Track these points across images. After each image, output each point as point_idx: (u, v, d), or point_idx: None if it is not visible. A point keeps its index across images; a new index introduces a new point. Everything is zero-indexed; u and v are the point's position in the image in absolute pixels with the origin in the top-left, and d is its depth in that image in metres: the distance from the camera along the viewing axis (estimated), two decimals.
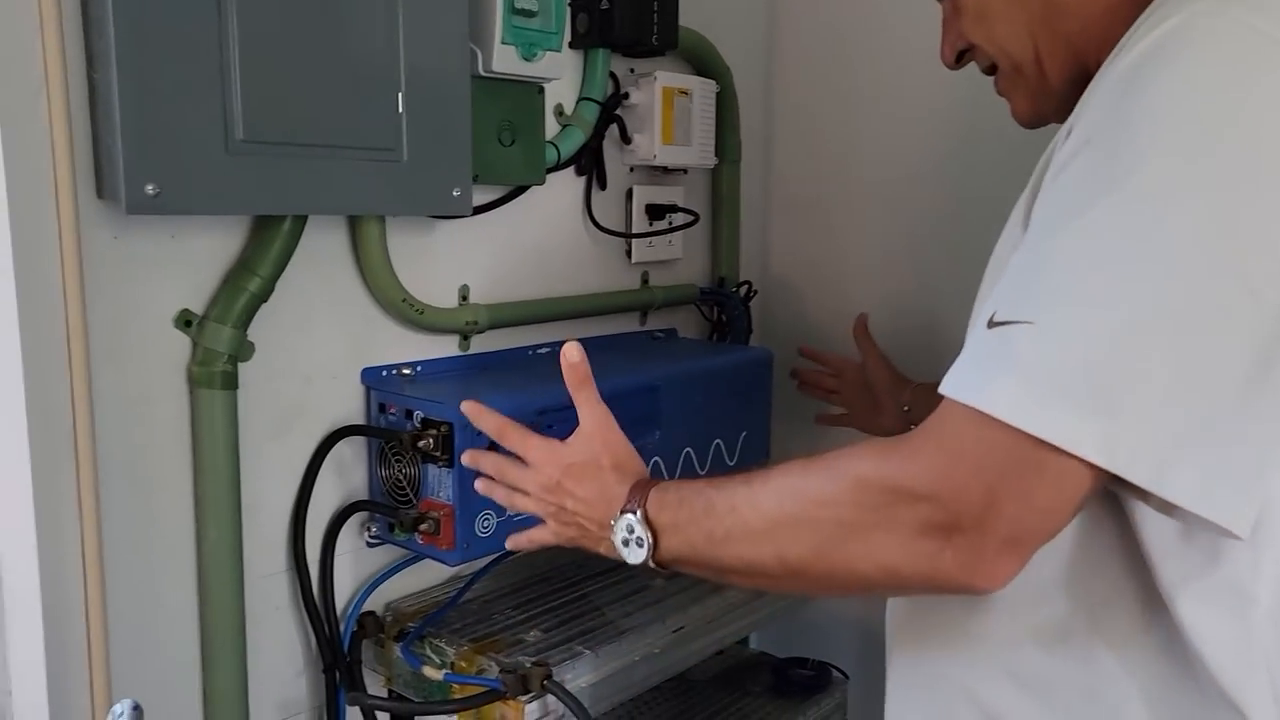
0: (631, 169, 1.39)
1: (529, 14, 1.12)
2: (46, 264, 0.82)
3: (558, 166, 1.25)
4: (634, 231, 1.40)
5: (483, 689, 0.98)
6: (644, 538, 0.75)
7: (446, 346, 1.18)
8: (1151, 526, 0.62)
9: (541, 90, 1.20)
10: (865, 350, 1.31)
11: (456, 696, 1.00)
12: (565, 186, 1.30)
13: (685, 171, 1.46)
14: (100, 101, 0.83)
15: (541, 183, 1.22)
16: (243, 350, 0.96)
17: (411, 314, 1.10)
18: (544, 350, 1.29)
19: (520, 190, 1.22)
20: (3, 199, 0.79)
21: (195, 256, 0.95)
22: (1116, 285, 0.56)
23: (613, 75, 1.31)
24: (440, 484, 1.02)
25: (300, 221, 0.98)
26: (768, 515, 0.69)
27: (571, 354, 0.83)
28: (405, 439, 1.02)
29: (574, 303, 1.32)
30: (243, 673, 0.99)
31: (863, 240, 1.55)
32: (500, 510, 1.02)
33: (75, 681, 0.86)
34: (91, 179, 0.86)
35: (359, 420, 1.10)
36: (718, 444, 1.29)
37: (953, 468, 0.60)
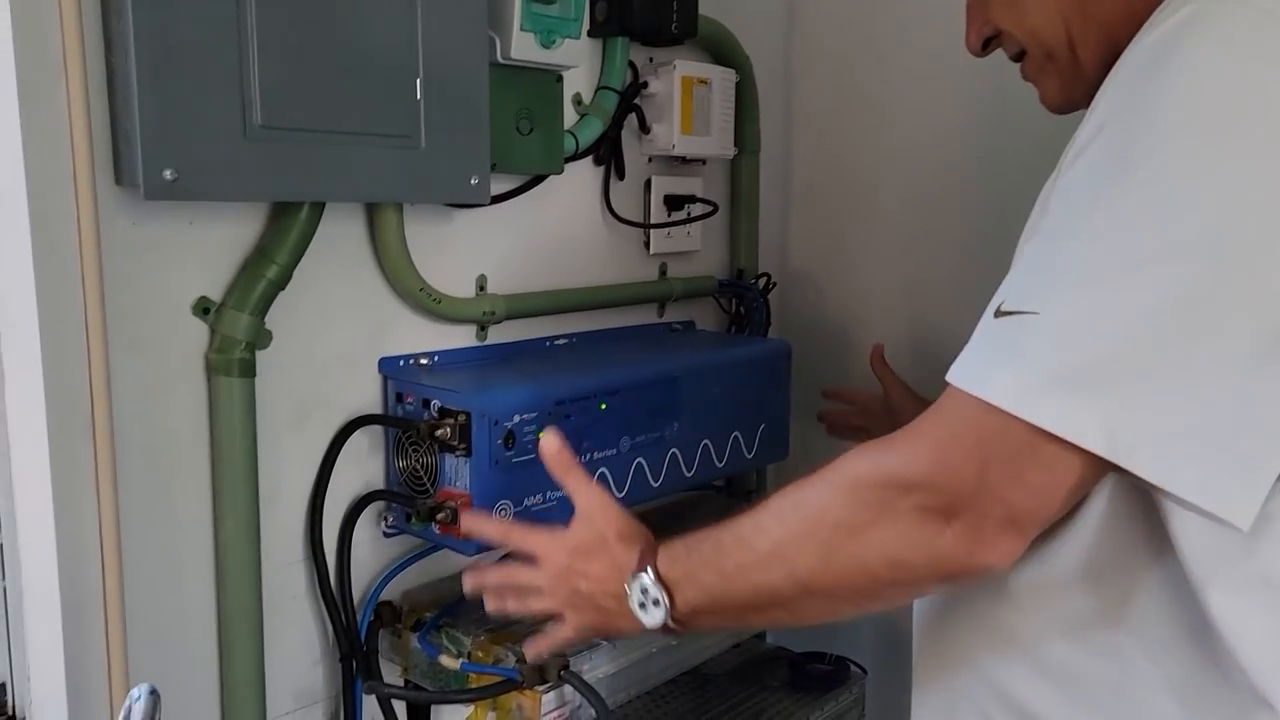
0: (650, 159, 1.38)
1: (548, 1, 1.11)
2: (65, 251, 0.82)
3: (576, 156, 1.25)
4: (652, 222, 1.39)
5: (500, 679, 0.98)
6: (659, 597, 0.74)
7: (464, 336, 1.18)
8: (1180, 517, 0.61)
9: (560, 78, 1.20)
10: (885, 380, 1.27)
11: (473, 686, 1.00)
12: (583, 176, 1.30)
13: (704, 162, 1.45)
14: (119, 86, 0.83)
15: (559, 172, 1.22)
16: (261, 338, 0.96)
17: (429, 303, 1.10)
18: (561, 341, 1.29)
19: (538, 180, 1.21)
20: (22, 186, 0.79)
21: (213, 244, 0.95)
22: (1122, 277, 0.56)
23: (631, 64, 1.31)
24: (457, 473, 1.01)
25: (318, 209, 0.97)
26: (773, 536, 0.69)
27: (550, 443, 0.84)
28: (422, 428, 1.01)
29: (592, 294, 1.31)
30: (260, 661, 0.99)
31: (883, 232, 1.53)
32: (518, 501, 1.02)
33: (93, 668, 0.87)
34: (110, 166, 0.85)
35: (376, 409, 1.09)
36: (736, 436, 1.28)
37: (947, 452, 0.61)
